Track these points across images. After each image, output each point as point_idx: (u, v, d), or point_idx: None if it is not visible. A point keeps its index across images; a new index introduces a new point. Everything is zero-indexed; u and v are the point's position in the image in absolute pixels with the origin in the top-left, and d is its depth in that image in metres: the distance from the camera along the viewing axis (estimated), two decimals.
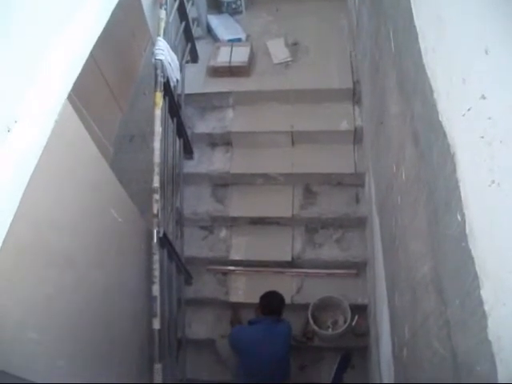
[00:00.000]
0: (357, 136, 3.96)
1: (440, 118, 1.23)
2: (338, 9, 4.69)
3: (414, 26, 1.60)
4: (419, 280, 1.60)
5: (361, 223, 3.87)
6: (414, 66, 1.59)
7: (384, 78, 2.41)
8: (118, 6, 2.28)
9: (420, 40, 1.56)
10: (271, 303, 3.36)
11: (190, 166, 4.10)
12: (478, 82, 1.06)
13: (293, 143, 4.11)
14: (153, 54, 3.25)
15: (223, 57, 4.28)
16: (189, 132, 4.03)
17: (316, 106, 4.06)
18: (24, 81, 1.51)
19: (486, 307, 0.90)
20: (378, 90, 2.66)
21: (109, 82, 3.89)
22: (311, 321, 3.54)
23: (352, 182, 3.96)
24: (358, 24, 3.76)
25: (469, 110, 1.05)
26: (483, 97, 1.01)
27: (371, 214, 3.27)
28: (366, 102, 3.56)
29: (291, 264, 3.90)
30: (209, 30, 4.80)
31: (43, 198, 1.94)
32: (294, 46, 4.45)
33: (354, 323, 3.60)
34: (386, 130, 2.42)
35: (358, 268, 3.84)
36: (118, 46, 4.06)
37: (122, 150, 4.09)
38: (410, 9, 1.65)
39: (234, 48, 4.35)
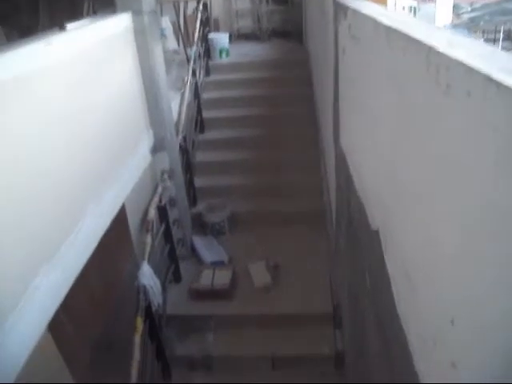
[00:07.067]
0: (338, 361, 3.87)
1: None
2: (317, 232, 4.98)
3: (387, 275, 1.71)
4: None
5: None
6: (389, 313, 1.65)
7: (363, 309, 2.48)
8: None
9: (393, 287, 1.65)
10: None
11: None
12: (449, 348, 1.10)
13: (273, 367, 3.98)
14: (137, 278, 3.35)
15: (205, 280, 4.42)
16: (168, 354, 3.93)
17: (297, 331, 4.05)
18: None
19: None
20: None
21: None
22: None
23: None
24: (336, 249, 3.96)
25: None
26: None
27: None
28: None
29: None
30: (193, 251, 5.02)
31: None
32: (275, 269, 4.61)
33: None
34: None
35: None
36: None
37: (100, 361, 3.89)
38: (383, 259, 1.78)
39: (216, 271, 4.52)
